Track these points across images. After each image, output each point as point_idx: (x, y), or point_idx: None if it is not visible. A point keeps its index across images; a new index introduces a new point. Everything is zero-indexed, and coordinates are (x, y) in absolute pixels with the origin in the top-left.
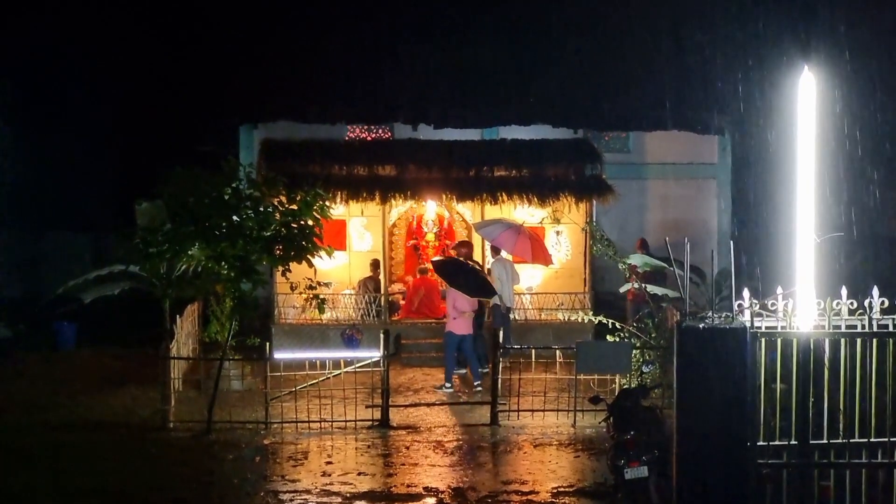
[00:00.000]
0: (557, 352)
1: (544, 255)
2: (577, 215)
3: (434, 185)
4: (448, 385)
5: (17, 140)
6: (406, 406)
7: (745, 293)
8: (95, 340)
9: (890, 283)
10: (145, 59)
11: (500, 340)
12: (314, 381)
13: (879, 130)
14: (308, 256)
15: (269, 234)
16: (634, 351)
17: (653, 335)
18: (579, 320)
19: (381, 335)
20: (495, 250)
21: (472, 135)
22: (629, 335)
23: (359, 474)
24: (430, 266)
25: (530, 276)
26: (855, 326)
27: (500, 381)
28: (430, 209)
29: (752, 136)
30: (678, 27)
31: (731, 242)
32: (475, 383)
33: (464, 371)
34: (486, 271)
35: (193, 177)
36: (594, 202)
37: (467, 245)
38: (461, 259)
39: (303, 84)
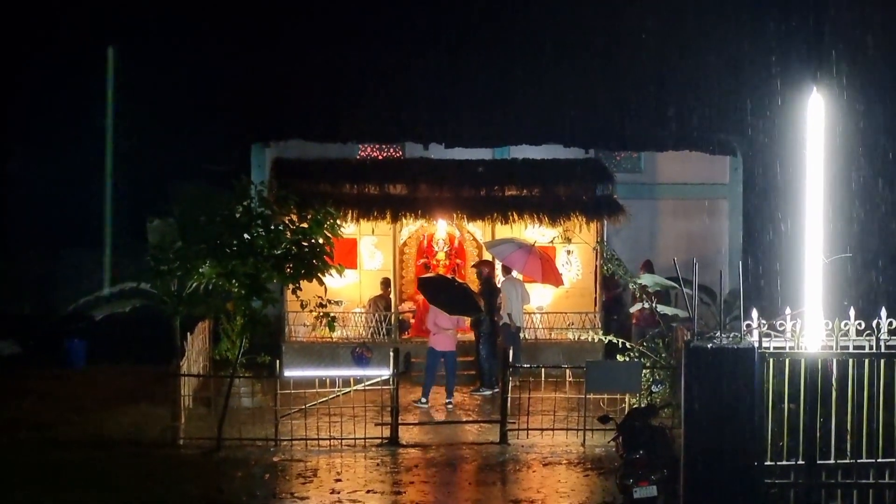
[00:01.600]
0: (567, 371)
1: (555, 276)
2: (588, 235)
3: (445, 205)
4: (424, 400)
5: (29, 158)
6: (416, 424)
7: (754, 313)
8: (106, 358)
9: None
10: (157, 78)
11: (510, 359)
12: (324, 399)
13: (890, 151)
14: (318, 275)
15: (279, 252)
16: (644, 370)
17: (662, 355)
18: (589, 339)
19: (391, 353)
20: (506, 269)
21: (483, 154)
22: (639, 355)
23: (368, 492)
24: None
25: (541, 296)
26: (863, 347)
27: (509, 399)
28: (441, 228)
29: (764, 157)
30: (690, 47)
31: (741, 263)
32: (447, 400)
33: (489, 392)
34: (489, 289)
35: (205, 195)
36: (605, 222)
37: (489, 264)
38: (450, 277)
39: (314, 103)
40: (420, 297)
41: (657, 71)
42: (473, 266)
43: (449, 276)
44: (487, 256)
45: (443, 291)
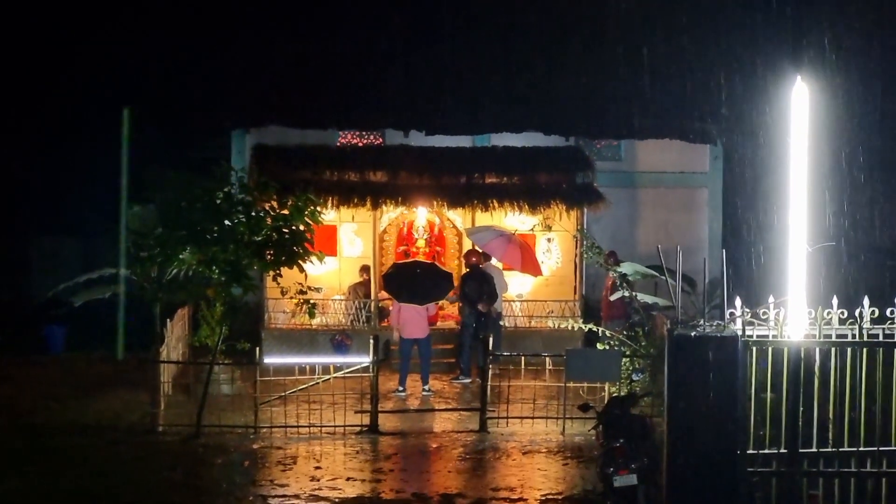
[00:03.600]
0: (547, 359)
1: (534, 266)
2: (568, 223)
3: (425, 192)
4: (401, 389)
5: (6, 144)
6: (395, 412)
7: (737, 302)
8: (85, 344)
9: (880, 292)
10: (138, 64)
11: (490, 347)
12: (303, 386)
13: (872, 141)
14: (299, 261)
15: (260, 238)
16: (624, 359)
17: (643, 343)
18: (569, 328)
19: (371, 341)
20: (486, 257)
21: (463, 142)
22: (619, 343)
23: (347, 480)
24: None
25: (520, 284)
26: (845, 336)
27: (489, 387)
28: (421, 216)
29: (745, 146)
30: (671, 36)
31: (723, 251)
32: (423, 387)
33: (468, 380)
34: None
35: (185, 181)
36: (585, 210)
37: (476, 254)
38: (414, 262)
39: (295, 89)
40: None
41: (637, 59)
42: (463, 256)
43: (413, 261)
44: (467, 243)
45: (406, 285)
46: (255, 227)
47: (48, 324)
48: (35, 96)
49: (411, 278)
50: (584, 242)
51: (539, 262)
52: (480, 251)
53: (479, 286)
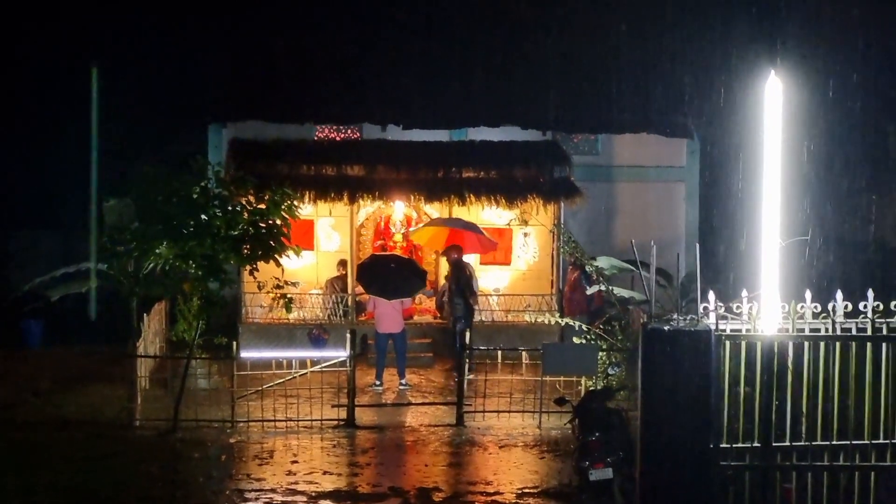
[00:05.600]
0: (524, 353)
1: (489, 241)
2: (545, 217)
3: (402, 186)
4: (378, 383)
5: None
6: (372, 406)
7: (711, 296)
8: (62, 339)
9: (854, 286)
10: (114, 57)
11: (467, 341)
12: (281, 381)
13: (845, 135)
14: (276, 256)
15: (236, 233)
16: (600, 353)
17: (619, 337)
18: (546, 322)
19: (348, 335)
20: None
21: (440, 136)
22: (595, 337)
23: (324, 473)
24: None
25: (497, 278)
26: (818, 330)
27: (465, 381)
28: (398, 210)
29: (721, 140)
30: (647, 30)
31: (697, 245)
32: (400, 381)
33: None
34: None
35: (162, 175)
36: (562, 204)
37: (457, 249)
38: (389, 255)
39: (271, 84)
40: None
41: (614, 53)
42: (442, 253)
43: (391, 254)
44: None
45: (379, 278)
46: (232, 222)
47: (25, 318)
48: (10, 86)
49: (384, 272)
50: (561, 237)
51: (490, 239)
52: (460, 246)
53: (469, 279)
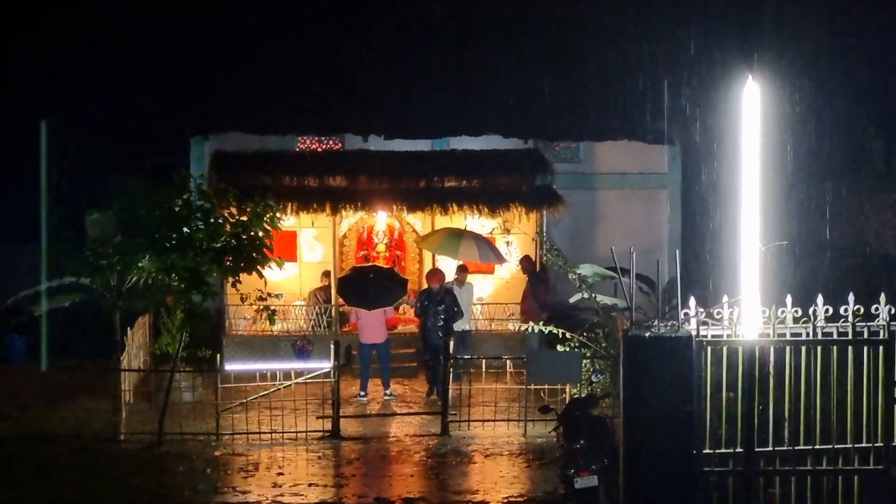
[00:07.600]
0: (508, 362)
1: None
2: (528, 225)
3: (384, 196)
4: (363, 394)
5: None
6: (357, 417)
7: (692, 302)
8: (47, 353)
9: (834, 291)
10: (97, 70)
11: (451, 350)
12: (265, 393)
13: (824, 139)
14: (258, 268)
15: (219, 245)
16: (584, 360)
17: (603, 345)
18: (530, 330)
19: (332, 346)
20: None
21: (422, 146)
22: (579, 345)
23: (310, 485)
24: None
25: (480, 287)
26: (800, 334)
27: (450, 391)
28: (381, 220)
29: (702, 146)
30: (627, 38)
31: (678, 251)
32: (385, 392)
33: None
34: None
35: (144, 188)
36: (544, 212)
37: (441, 274)
38: (368, 266)
39: (253, 95)
40: None
41: (594, 61)
42: (426, 277)
43: (371, 265)
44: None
45: (359, 289)
46: (215, 234)
47: (9, 333)
48: None
49: (364, 282)
50: (544, 245)
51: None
52: (441, 270)
53: (454, 301)
